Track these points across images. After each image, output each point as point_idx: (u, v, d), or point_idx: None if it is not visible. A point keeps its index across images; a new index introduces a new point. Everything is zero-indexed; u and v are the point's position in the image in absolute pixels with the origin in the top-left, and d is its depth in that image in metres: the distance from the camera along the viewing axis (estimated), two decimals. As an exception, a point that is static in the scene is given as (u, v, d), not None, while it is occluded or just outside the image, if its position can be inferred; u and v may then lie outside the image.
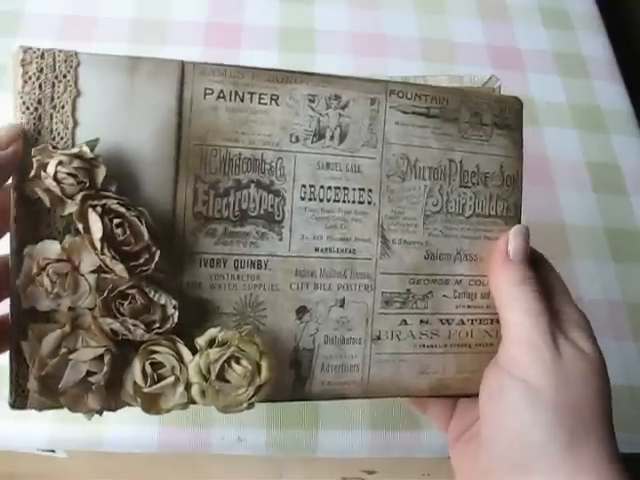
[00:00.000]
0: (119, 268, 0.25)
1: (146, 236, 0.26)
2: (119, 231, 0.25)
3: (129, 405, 0.27)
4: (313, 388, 0.29)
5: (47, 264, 0.25)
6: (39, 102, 0.26)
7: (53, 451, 0.46)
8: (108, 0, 0.61)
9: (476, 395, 0.31)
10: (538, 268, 0.31)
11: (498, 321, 0.31)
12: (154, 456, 0.44)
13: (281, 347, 0.29)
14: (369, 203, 0.30)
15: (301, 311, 0.29)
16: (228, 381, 0.27)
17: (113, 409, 0.27)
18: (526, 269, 0.30)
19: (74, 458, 0.48)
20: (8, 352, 0.26)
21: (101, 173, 0.25)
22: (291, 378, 0.29)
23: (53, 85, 0.26)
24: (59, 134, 0.26)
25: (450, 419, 0.34)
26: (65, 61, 0.26)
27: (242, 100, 0.28)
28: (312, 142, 0.29)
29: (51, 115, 0.26)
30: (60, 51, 0.26)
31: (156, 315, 0.26)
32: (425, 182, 0.31)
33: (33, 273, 0.25)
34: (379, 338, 0.30)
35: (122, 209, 0.25)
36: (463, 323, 0.31)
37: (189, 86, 0.27)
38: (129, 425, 0.42)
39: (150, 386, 0.26)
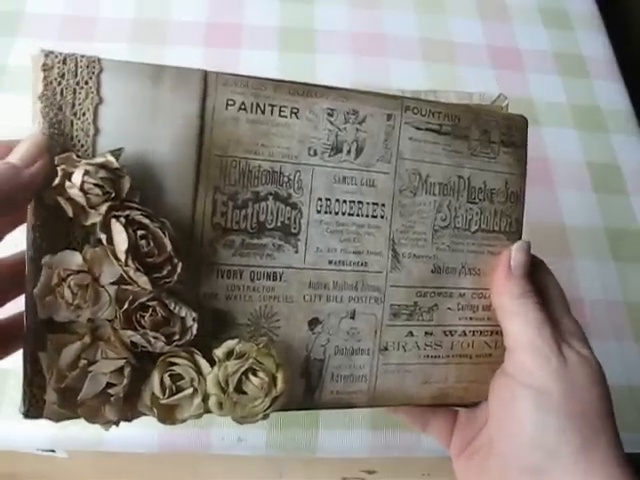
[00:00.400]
0: (143, 280, 0.25)
1: (169, 247, 0.25)
2: (143, 242, 0.25)
3: (145, 415, 0.27)
4: (322, 397, 0.29)
5: (68, 275, 0.24)
6: (60, 108, 0.25)
7: (53, 451, 0.46)
8: (108, 0, 0.61)
9: (473, 404, 0.32)
10: (538, 275, 0.32)
11: (497, 333, 0.32)
12: (154, 456, 0.44)
13: (293, 357, 0.29)
14: (382, 217, 0.30)
15: (313, 322, 0.29)
16: (245, 393, 0.27)
17: (129, 419, 0.27)
18: (527, 283, 0.31)
19: (74, 458, 0.48)
20: (22, 360, 0.26)
21: (126, 184, 0.25)
22: (301, 387, 0.29)
23: (74, 92, 0.25)
24: (79, 141, 0.25)
25: (451, 435, 0.34)
26: (87, 67, 0.25)
27: (263, 112, 0.28)
28: (329, 156, 0.29)
29: (72, 122, 0.25)
30: (82, 56, 0.25)
31: (176, 327, 0.26)
32: (435, 197, 0.31)
33: (53, 284, 0.24)
34: (386, 349, 0.31)
35: (146, 220, 0.25)
36: (465, 334, 0.32)
37: (211, 96, 0.27)
38: (130, 425, 0.42)
39: (168, 397, 0.26)
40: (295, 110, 0.29)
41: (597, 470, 0.27)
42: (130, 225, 0.25)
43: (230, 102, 0.28)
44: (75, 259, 0.25)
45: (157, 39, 0.58)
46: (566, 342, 0.30)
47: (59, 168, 0.24)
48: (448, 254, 0.31)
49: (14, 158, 0.24)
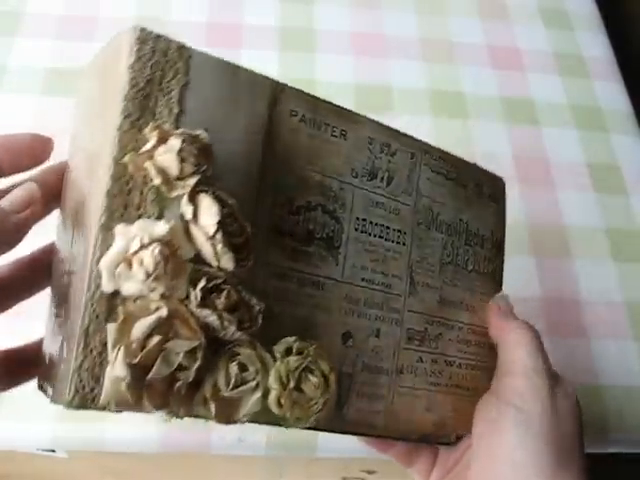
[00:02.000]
0: (227, 257, 0.24)
1: (248, 229, 0.25)
2: (229, 220, 0.24)
3: (197, 415, 0.25)
4: (349, 414, 0.30)
5: (147, 244, 0.22)
6: (147, 82, 0.25)
7: (53, 451, 0.46)
8: (108, 0, 0.61)
9: (459, 439, 0.33)
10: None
11: (485, 368, 0.34)
12: (154, 456, 0.44)
13: None
14: (403, 244, 0.32)
15: (346, 336, 0.30)
16: (303, 391, 0.26)
17: (180, 415, 0.25)
18: (516, 318, 0.34)
19: (74, 458, 0.48)
20: (60, 345, 0.24)
21: (212, 161, 0.24)
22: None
23: (163, 70, 0.25)
24: (162, 118, 0.25)
25: (431, 471, 0.36)
26: (177, 49, 0.26)
27: (319, 128, 0.30)
28: (367, 180, 0.31)
29: (157, 98, 0.25)
30: (171, 40, 0.25)
31: (245, 315, 0.25)
32: (442, 235, 0.34)
33: (130, 252, 0.22)
34: (402, 372, 0.32)
35: (231, 200, 0.24)
36: (460, 367, 0.34)
37: (280, 102, 0.28)
38: (130, 425, 0.42)
39: (232, 389, 0.25)
40: (344, 132, 0.30)
41: None
42: (217, 201, 0.23)
43: (293, 113, 0.29)
44: (159, 228, 0.23)
45: (157, 39, 0.58)
46: (555, 377, 0.31)
47: (154, 132, 0.23)
48: (450, 288, 0.34)
49: (4, 202, 0.25)
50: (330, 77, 0.58)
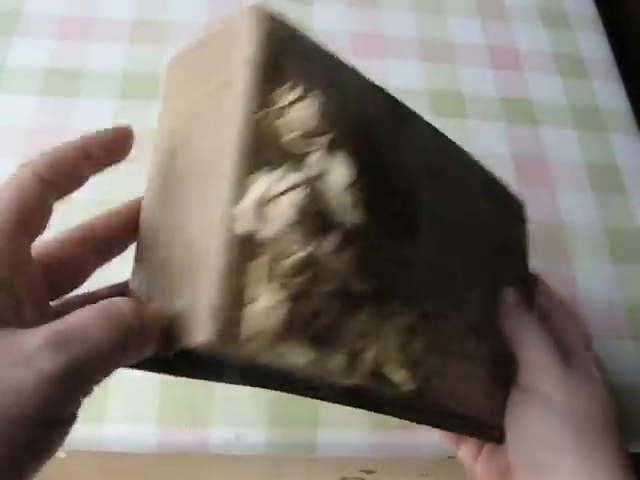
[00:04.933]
0: (359, 214, 0.24)
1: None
2: (356, 181, 0.25)
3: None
4: (427, 397, 0.30)
5: (287, 189, 0.23)
6: (279, 43, 0.25)
7: (52, 451, 0.46)
8: (108, 0, 0.61)
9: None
10: (538, 292, 0.37)
11: None
12: (153, 456, 0.44)
13: None
14: None
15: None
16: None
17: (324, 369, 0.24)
18: (527, 311, 0.35)
19: (73, 458, 0.48)
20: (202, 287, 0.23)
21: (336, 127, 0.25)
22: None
23: (291, 35, 0.26)
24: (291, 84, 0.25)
25: (479, 455, 0.37)
26: (292, 30, 0.26)
27: None
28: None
29: (285, 63, 0.25)
30: (285, 19, 0.26)
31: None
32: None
33: (269, 196, 0.22)
34: (469, 357, 0.33)
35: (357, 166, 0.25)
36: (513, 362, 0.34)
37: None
38: (128, 425, 0.42)
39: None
40: None
41: (602, 472, 0.29)
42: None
43: None
44: (297, 176, 0.23)
45: (157, 39, 0.58)
46: (574, 362, 0.32)
47: (291, 91, 0.24)
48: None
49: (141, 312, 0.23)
50: (329, 77, 0.59)
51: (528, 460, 0.31)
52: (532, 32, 0.66)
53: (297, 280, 0.23)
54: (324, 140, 0.24)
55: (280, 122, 0.24)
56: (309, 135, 0.24)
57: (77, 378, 0.20)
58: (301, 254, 0.23)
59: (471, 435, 0.35)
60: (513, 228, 0.39)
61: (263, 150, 0.24)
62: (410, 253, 0.30)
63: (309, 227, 0.23)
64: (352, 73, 0.29)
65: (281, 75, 0.25)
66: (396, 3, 0.65)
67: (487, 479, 0.36)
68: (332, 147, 0.24)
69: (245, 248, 0.23)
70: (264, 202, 0.23)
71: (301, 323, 0.23)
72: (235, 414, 0.43)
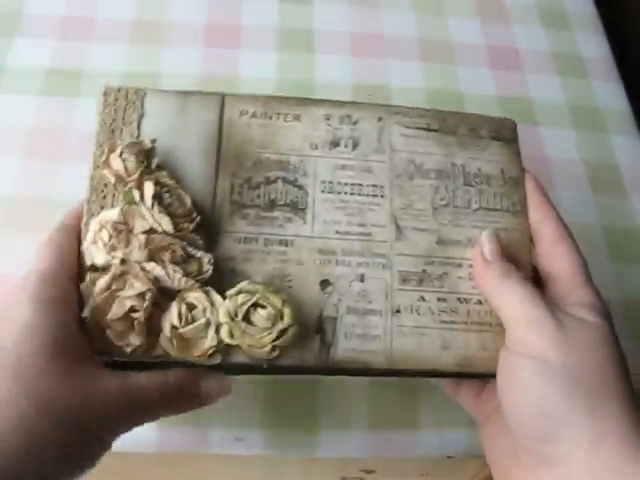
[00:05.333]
0: (165, 220, 0.31)
1: (189, 203, 0.32)
2: (167, 195, 0.32)
3: (164, 356, 0.30)
4: (337, 354, 0.32)
5: (106, 223, 0.31)
6: (113, 120, 0.34)
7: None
8: (108, 0, 0.61)
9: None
10: (555, 249, 0.34)
11: None
12: (153, 456, 0.45)
13: (306, 314, 0.32)
14: (381, 197, 0.35)
15: (324, 284, 0.33)
16: (253, 324, 0.30)
17: (151, 355, 0.31)
18: (504, 263, 0.32)
19: (73, 458, 0.48)
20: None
21: (156, 159, 0.32)
22: (317, 343, 0.32)
23: (125, 109, 0.34)
24: (125, 142, 0.33)
25: (478, 403, 0.35)
26: (135, 93, 0.35)
27: (270, 118, 0.36)
28: (329, 149, 0.36)
29: (122, 129, 0.34)
30: (132, 88, 0.35)
31: (194, 267, 0.31)
32: (431, 181, 0.36)
33: (95, 232, 0.31)
34: (399, 311, 0.33)
35: (170, 181, 0.32)
36: (481, 303, 0.34)
37: (228, 108, 0.35)
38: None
39: (185, 326, 0.30)
40: (297, 116, 0.36)
41: (612, 431, 0.27)
42: (158, 184, 0.32)
43: (243, 112, 0.35)
44: (113, 213, 0.31)
45: (157, 39, 0.58)
46: (564, 311, 0.30)
47: (105, 147, 0.32)
48: (451, 228, 0.35)
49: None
50: (329, 77, 0.59)
51: (528, 430, 0.28)
52: (532, 32, 0.66)
53: (110, 290, 0.30)
54: (135, 175, 0.31)
55: (105, 172, 0.32)
56: (125, 176, 0.32)
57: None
58: (114, 271, 0.30)
59: (467, 377, 0.35)
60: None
61: (107, 197, 0.32)
62: (295, 232, 0.34)
63: (127, 249, 0.30)
64: None
65: (120, 136, 0.34)
66: (396, 3, 0.65)
67: (488, 420, 0.34)
68: (146, 178, 0.31)
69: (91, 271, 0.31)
70: (94, 239, 0.31)
71: (120, 325, 0.30)
72: (235, 414, 0.43)
